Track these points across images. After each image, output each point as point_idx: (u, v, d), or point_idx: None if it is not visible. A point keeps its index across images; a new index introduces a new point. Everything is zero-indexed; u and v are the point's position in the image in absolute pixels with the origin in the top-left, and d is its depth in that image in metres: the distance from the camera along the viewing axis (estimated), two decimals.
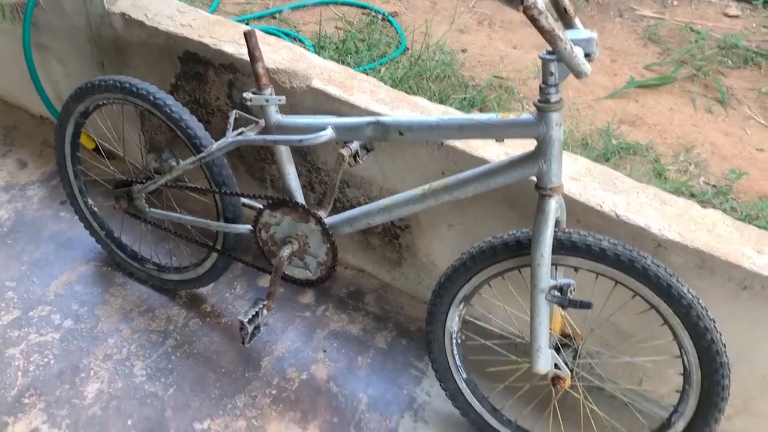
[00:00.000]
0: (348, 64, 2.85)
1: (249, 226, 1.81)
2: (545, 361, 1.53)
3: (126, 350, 1.98)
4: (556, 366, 1.55)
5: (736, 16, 3.69)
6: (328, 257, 1.72)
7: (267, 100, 1.61)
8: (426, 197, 1.56)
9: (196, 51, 2.00)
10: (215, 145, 1.69)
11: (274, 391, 1.90)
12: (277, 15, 3.35)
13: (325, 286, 2.17)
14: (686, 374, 1.49)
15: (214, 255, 1.96)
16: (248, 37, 1.57)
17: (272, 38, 2.03)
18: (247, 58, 1.85)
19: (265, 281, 2.19)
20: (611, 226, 1.57)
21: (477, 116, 1.42)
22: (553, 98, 1.32)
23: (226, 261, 1.96)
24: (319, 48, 3.08)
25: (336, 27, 3.31)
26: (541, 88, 1.32)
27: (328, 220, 1.69)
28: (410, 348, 2.04)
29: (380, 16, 3.35)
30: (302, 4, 3.43)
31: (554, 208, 1.40)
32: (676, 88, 3.14)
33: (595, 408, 1.66)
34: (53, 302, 2.09)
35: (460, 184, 1.50)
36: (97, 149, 2.48)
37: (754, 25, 3.62)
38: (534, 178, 1.42)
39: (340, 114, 1.71)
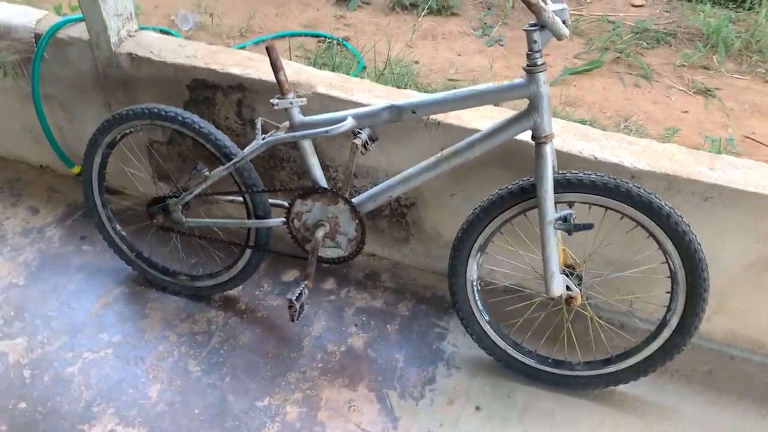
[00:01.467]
0: None
1: (282, 219, 2.05)
2: (558, 284, 1.83)
3: (177, 352, 2.16)
4: (567, 288, 1.85)
5: (642, 5, 4.20)
6: (357, 232, 1.98)
7: (291, 103, 1.88)
8: (439, 163, 1.85)
9: (205, 77, 2.25)
10: (248, 149, 1.94)
11: (320, 365, 2.12)
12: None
13: (342, 273, 2.42)
14: (672, 276, 1.82)
15: (248, 253, 2.18)
16: (270, 50, 1.83)
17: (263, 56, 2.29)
18: (254, 76, 2.14)
19: (288, 276, 2.42)
20: (592, 168, 1.90)
21: (476, 87, 1.73)
22: (539, 61, 1.64)
23: (259, 256, 2.18)
24: None
25: (296, 56, 3.60)
26: (528, 55, 1.64)
27: (353, 200, 1.95)
28: (430, 311, 2.30)
29: (335, 42, 3.66)
30: (261, 38, 3.70)
31: (550, 152, 1.72)
32: (605, 70, 3.58)
33: (602, 321, 1.96)
34: (97, 323, 2.25)
35: (468, 146, 1.80)
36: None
37: (657, 11, 4.14)
38: (529, 132, 1.73)
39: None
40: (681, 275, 1.80)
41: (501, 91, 1.71)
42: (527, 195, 1.81)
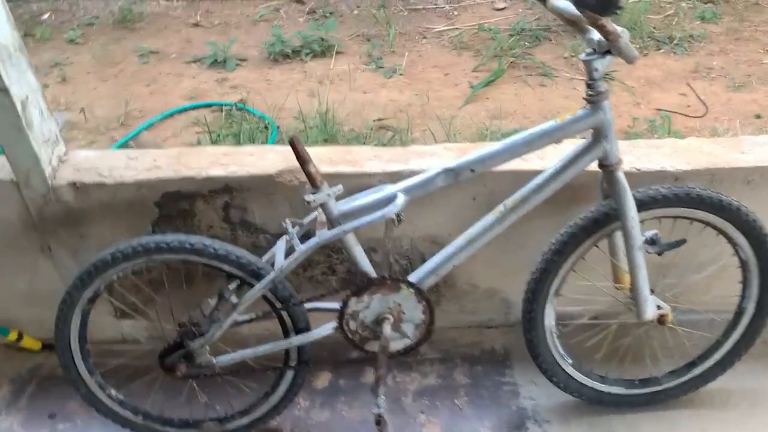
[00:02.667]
0: None
1: (332, 324, 1.77)
2: (651, 307, 1.76)
3: None
4: (658, 307, 1.79)
5: (504, 8, 4.34)
6: (425, 315, 1.76)
7: (329, 195, 1.61)
8: (505, 216, 1.69)
9: (178, 188, 1.89)
10: (288, 261, 1.64)
11: None
12: (134, 139, 3.18)
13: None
14: (744, 265, 1.82)
15: (289, 374, 1.87)
16: (295, 142, 1.56)
17: (248, 147, 1.99)
18: (242, 173, 1.86)
19: (321, 381, 2.12)
20: (639, 180, 1.85)
21: (539, 128, 1.60)
22: (602, 88, 1.55)
23: (303, 375, 1.88)
24: None
25: (197, 133, 3.24)
26: (590, 84, 1.55)
27: (415, 281, 1.73)
28: (489, 370, 2.13)
29: (234, 108, 3.35)
30: (150, 122, 3.28)
31: (624, 177, 1.64)
32: (507, 77, 3.63)
33: (686, 329, 1.92)
34: None
35: (537, 188, 1.67)
36: (45, 347, 2.19)
37: (520, 11, 4.30)
38: (596, 162, 1.64)
39: (357, 188, 1.73)
40: (753, 262, 1.81)
41: (565, 127, 1.60)
42: (602, 225, 1.71)
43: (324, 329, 1.79)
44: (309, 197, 1.60)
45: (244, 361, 1.88)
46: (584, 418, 1.98)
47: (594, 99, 1.56)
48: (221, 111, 3.37)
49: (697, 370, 1.96)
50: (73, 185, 1.88)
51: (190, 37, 4.07)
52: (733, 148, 1.92)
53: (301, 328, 1.79)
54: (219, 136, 3.11)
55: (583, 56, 1.55)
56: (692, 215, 1.73)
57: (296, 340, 1.79)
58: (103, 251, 1.69)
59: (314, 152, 1.89)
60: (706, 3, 4.26)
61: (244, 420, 1.94)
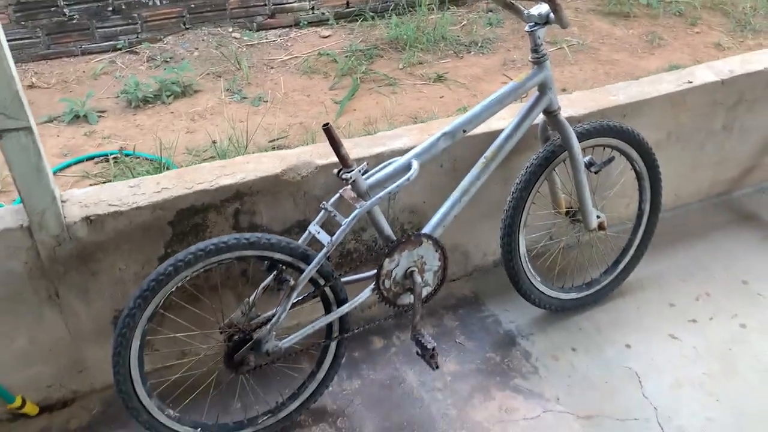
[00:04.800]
0: None
1: (369, 289, 2.02)
2: (594, 217, 2.29)
3: None
4: (597, 217, 2.33)
5: (330, 35, 4.79)
6: (441, 261, 2.09)
7: (361, 172, 1.88)
8: (488, 165, 2.10)
9: (192, 203, 1.99)
10: (337, 234, 1.86)
11: (451, 404, 2.17)
12: None
13: (387, 327, 2.42)
14: (638, 175, 2.44)
15: (333, 346, 2.07)
16: (330, 130, 1.80)
17: (241, 157, 2.15)
18: (251, 177, 2.06)
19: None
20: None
21: (506, 87, 2.04)
22: (544, 52, 2.05)
23: (344, 344, 2.09)
24: None
25: (91, 185, 3.16)
26: (535, 49, 2.03)
27: (431, 233, 2.06)
28: (469, 311, 2.51)
29: (121, 156, 3.32)
30: None
31: (564, 118, 2.15)
32: (362, 90, 4.06)
33: (610, 234, 2.49)
34: None
35: (507, 138, 2.10)
36: (43, 410, 2.11)
37: (343, 36, 4.78)
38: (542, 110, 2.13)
39: None
40: (644, 171, 2.43)
41: (523, 84, 2.06)
42: (552, 159, 2.20)
43: (362, 295, 2.03)
44: (346, 175, 1.86)
45: (290, 348, 2.04)
46: (557, 324, 2.45)
47: (539, 60, 2.05)
48: (106, 161, 3.31)
49: (621, 265, 2.55)
50: (87, 220, 1.89)
51: (31, 99, 3.86)
52: (606, 94, 2.55)
53: (343, 298, 2.01)
54: (115, 180, 3.08)
55: (527, 28, 2.03)
56: (608, 143, 2.30)
57: (342, 309, 2.00)
58: (161, 265, 1.76)
59: (306, 149, 2.15)
60: (488, 12, 5.13)
61: (295, 404, 2.08)
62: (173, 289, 1.79)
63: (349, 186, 1.89)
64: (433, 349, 1.98)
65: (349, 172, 1.85)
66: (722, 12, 5.19)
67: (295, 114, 3.77)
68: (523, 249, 2.30)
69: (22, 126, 1.67)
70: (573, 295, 2.47)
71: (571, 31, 4.74)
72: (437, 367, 2.01)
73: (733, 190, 3.10)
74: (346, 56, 4.40)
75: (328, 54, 4.44)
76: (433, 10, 4.95)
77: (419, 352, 2.03)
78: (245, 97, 3.94)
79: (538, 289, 2.38)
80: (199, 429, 1.96)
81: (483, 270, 2.66)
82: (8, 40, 4.07)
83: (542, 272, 2.43)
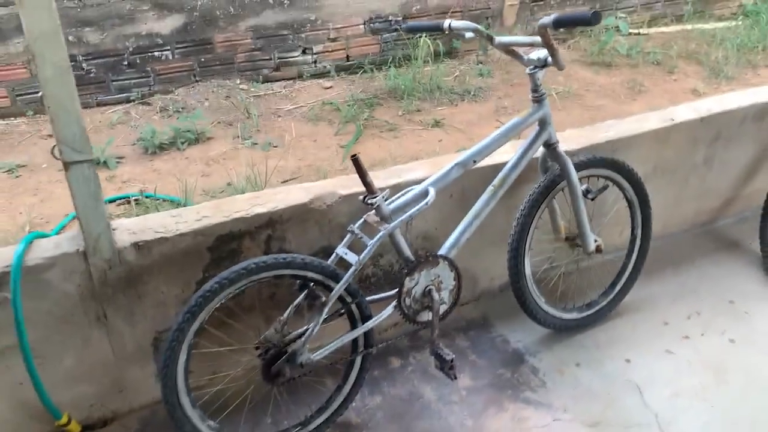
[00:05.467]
0: None
1: (392, 306, 2.21)
2: (591, 240, 2.51)
3: None
4: (594, 240, 2.55)
5: (331, 87, 5.08)
6: (456, 281, 2.29)
7: (384, 198, 2.10)
8: (496, 192, 2.33)
9: (230, 229, 2.19)
10: (363, 254, 2.05)
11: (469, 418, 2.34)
12: None
13: (413, 346, 2.60)
14: (630, 203, 2.68)
15: (359, 361, 2.24)
16: (358, 160, 2.02)
17: (271, 189, 2.36)
18: (282, 206, 2.27)
19: None
20: None
21: (510, 122, 2.28)
22: (543, 91, 2.30)
23: (368, 360, 2.26)
24: None
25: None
26: (535, 89, 2.29)
27: (446, 254, 2.26)
28: (479, 333, 2.70)
29: (139, 198, 3.51)
30: (67, 219, 3.30)
31: (563, 150, 2.39)
32: (365, 135, 4.31)
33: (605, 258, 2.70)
34: None
35: (512, 168, 2.34)
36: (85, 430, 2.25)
37: (345, 87, 5.07)
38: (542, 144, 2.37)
39: None
40: (635, 199, 2.68)
41: (526, 120, 2.31)
42: (552, 187, 2.44)
43: (386, 311, 2.21)
44: (373, 200, 2.07)
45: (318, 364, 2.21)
46: (562, 342, 2.64)
47: (539, 99, 2.30)
48: (128, 203, 3.50)
49: (617, 287, 2.76)
50: (135, 245, 2.07)
51: (50, 148, 4.08)
52: (596, 131, 2.81)
53: (368, 315, 2.19)
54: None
55: (527, 71, 2.29)
56: (602, 173, 2.54)
57: (367, 325, 2.18)
58: (207, 282, 1.94)
59: (329, 181, 2.37)
60: (478, 64, 5.46)
61: (323, 416, 2.24)
62: (217, 306, 1.97)
63: (373, 211, 2.10)
64: (452, 360, 2.16)
65: (374, 198, 2.07)
66: (697, 61, 5.55)
67: (304, 157, 4.00)
68: (528, 271, 2.50)
69: (85, 159, 1.88)
70: (574, 315, 2.67)
71: (558, 80, 5.06)
72: (455, 378, 2.18)
73: (716, 220, 3.34)
74: (349, 105, 4.67)
75: (331, 103, 4.70)
76: (428, 62, 5.26)
77: (438, 365, 2.21)
78: (256, 143, 4.16)
79: (543, 309, 2.57)
80: None
81: (490, 294, 2.85)
82: (29, 93, 4.32)
83: (546, 294, 2.62)
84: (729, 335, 2.66)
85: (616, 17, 5.83)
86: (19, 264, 1.94)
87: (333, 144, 4.19)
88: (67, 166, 1.87)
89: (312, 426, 2.22)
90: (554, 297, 2.69)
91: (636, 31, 6.03)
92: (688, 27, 6.22)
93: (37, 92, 4.36)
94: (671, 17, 6.42)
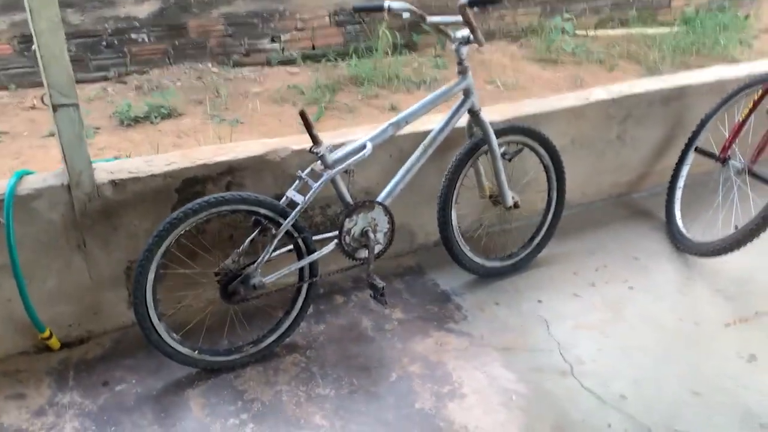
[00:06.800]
0: None
1: (334, 242, 2.58)
2: (510, 197, 2.92)
3: (302, 394, 2.46)
4: (512, 197, 2.96)
5: (297, 73, 5.45)
6: (389, 224, 2.67)
7: (327, 148, 2.47)
8: (425, 151, 2.72)
9: (195, 174, 2.54)
10: (308, 196, 2.43)
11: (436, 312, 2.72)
12: None
13: (348, 286, 2.97)
14: (546, 168, 3.10)
15: (305, 288, 2.60)
16: (304, 114, 2.38)
17: (232, 143, 2.72)
18: (242, 156, 2.62)
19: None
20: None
21: (438, 91, 2.68)
22: (467, 65, 2.70)
23: (314, 288, 2.62)
24: None
25: None
26: (460, 62, 2.68)
27: (382, 200, 2.65)
28: (413, 277, 3.08)
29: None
30: None
31: (485, 117, 2.79)
32: (327, 116, 4.69)
33: (525, 215, 3.11)
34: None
35: (440, 130, 2.73)
36: (64, 346, 2.58)
37: (310, 73, 5.44)
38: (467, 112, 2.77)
39: None
40: (550, 165, 3.08)
41: (452, 89, 2.71)
42: (476, 149, 2.84)
43: (329, 247, 2.59)
44: (316, 149, 2.44)
45: (267, 290, 2.58)
46: (486, 287, 3.04)
47: (463, 71, 2.70)
48: None
49: (534, 242, 3.17)
50: (113, 182, 2.42)
51: (32, 118, 4.39)
52: (522, 107, 3.22)
53: (313, 249, 2.56)
54: None
55: (453, 47, 2.68)
56: (519, 139, 2.95)
57: (312, 257, 2.55)
58: (174, 212, 2.30)
59: (284, 139, 2.74)
60: (435, 57, 5.88)
61: (272, 337, 2.60)
62: (182, 233, 2.33)
63: (319, 160, 2.48)
64: (383, 288, 2.54)
65: (318, 148, 2.44)
66: (636, 61, 6.03)
67: (267, 133, 4.36)
68: (455, 221, 2.90)
69: (71, 102, 2.23)
70: (496, 264, 3.07)
71: (507, 73, 5.50)
72: (386, 304, 2.56)
73: (631, 192, 3.78)
74: (312, 89, 5.05)
75: (296, 87, 5.08)
76: (388, 54, 5.67)
77: (372, 294, 2.58)
78: (224, 119, 4.52)
79: (468, 257, 2.97)
80: (197, 351, 2.46)
81: (425, 248, 3.25)
82: (13, 69, 4.60)
83: (471, 244, 3.03)
84: (630, 284, 3.08)
85: (562, 18, 6.28)
86: (11, 192, 2.28)
87: (295, 122, 4.55)
88: (55, 108, 2.21)
89: (263, 345, 2.58)
90: (478, 247, 3.09)
91: (583, 32, 6.50)
92: (632, 31, 6.71)
93: (20, 68, 4.67)
94: (617, 21, 6.91)
